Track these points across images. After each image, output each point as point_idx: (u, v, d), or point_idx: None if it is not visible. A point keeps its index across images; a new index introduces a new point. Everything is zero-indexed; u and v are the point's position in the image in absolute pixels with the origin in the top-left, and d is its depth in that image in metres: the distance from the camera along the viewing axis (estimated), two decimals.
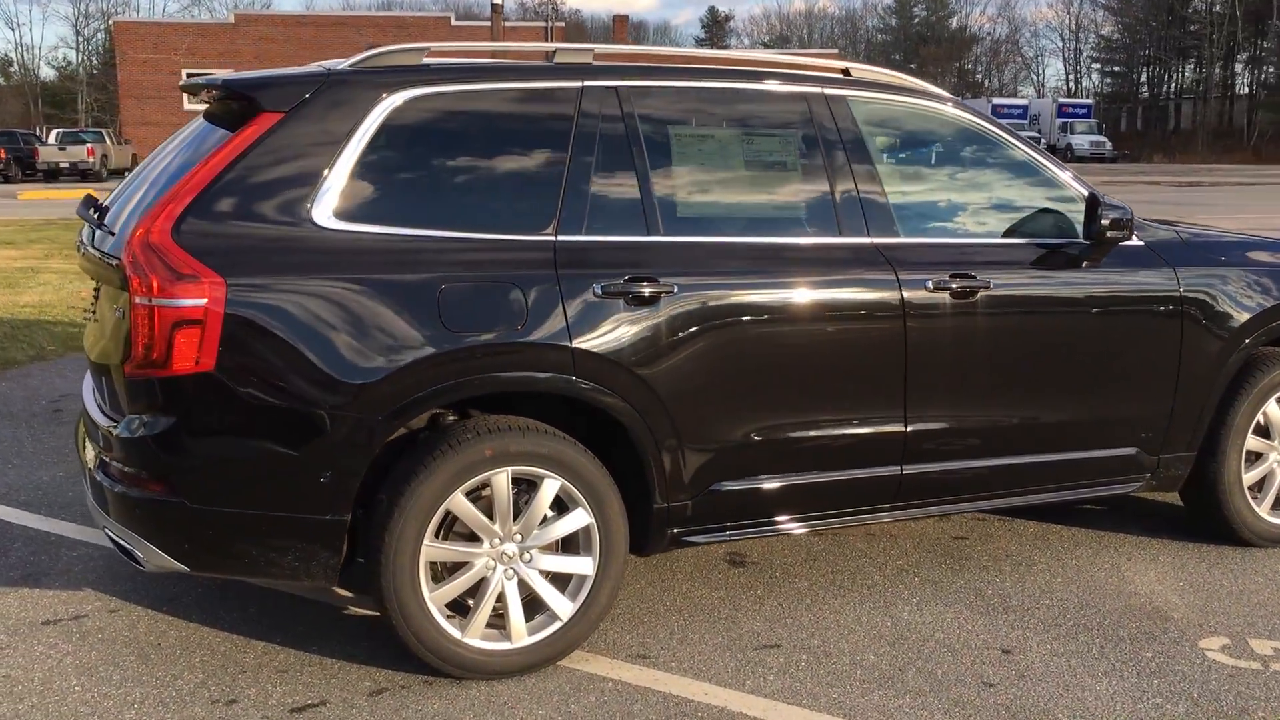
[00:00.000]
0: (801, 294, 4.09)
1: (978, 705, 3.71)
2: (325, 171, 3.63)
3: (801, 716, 3.63)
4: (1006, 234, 4.57)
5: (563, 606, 3.87)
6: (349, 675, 3.87)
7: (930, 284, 4.24)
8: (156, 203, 3.54)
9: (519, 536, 3.82)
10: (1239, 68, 72.04)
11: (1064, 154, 56.68)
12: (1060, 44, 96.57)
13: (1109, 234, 4.48)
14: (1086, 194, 4.60)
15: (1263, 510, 5.01)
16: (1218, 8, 68.43)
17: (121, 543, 3.67)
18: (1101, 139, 59.52)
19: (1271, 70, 68.91)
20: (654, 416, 3.88)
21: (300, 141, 3.64)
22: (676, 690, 3.78)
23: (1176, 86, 73.36)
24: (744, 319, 4.01)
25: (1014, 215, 4.63)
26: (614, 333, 3.82)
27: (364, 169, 3.68)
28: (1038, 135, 57.77)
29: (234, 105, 3.80)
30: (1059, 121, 61.22)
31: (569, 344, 3.76)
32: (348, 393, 3.54)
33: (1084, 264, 4.55)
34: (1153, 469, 4.78)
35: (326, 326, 3.53)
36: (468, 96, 3.86)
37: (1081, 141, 58.23)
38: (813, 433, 4.16)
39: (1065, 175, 4.71)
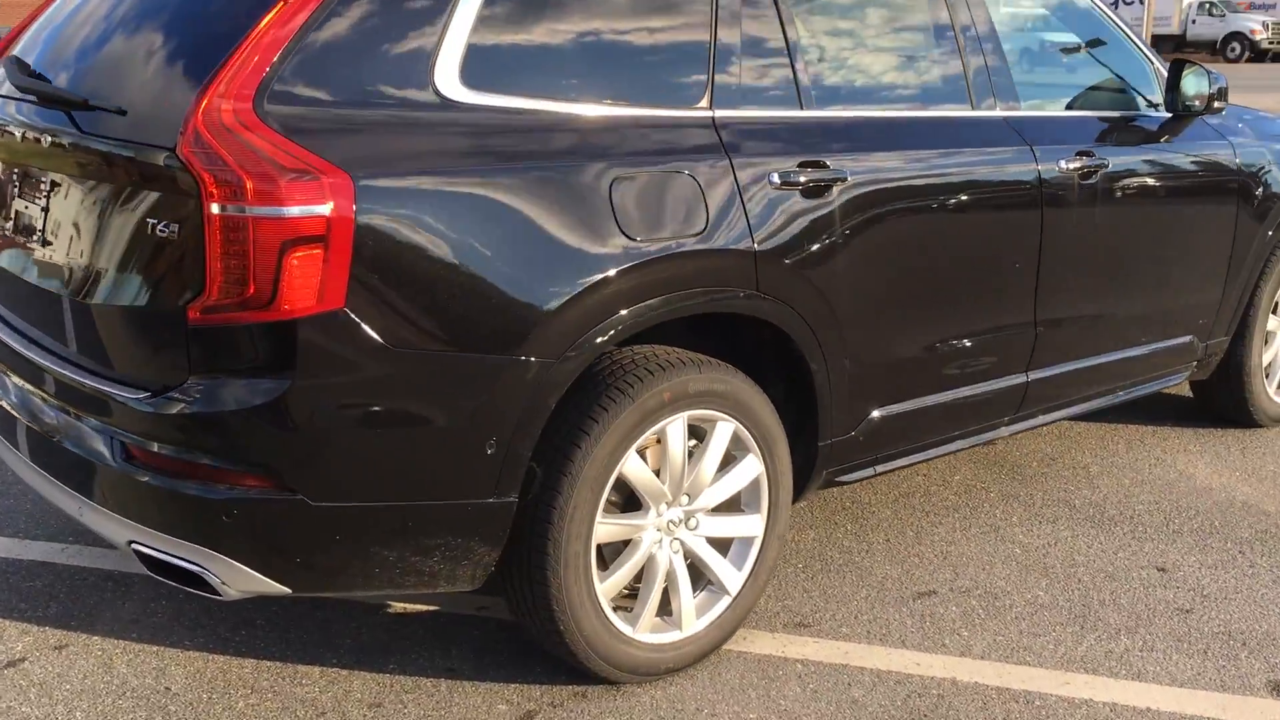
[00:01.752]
0: (961, 176, 3.45)
1: (1200, 637, 3.29)
2: (445, 17, 2.59)
3: (1053, 679, 3.07)
4: (1096, 107, 4.09)
5: (731, 578, 3.09)
6: (474, 699, 2.93)
7: (1063, 163, 3.69)
8: (223, 65, 2.39)
9: (685, 498, 2.99)
10: None
11: None
12: None
13: (1197, 105, 4.10)
14: (1168, 63, 4.20)
15: (1273, 391, 4.90)
16: None
17: (178, 562, 2.54)
18: None
19: None
20: (826, 333, 3.14)
21: None
22: (880, 664, 3.12)
23: None
24: (913, 208, 3.33)
25: (1099, 87, 4.16)
26: (793, 232, 3.03)
27: (492, 15, 2.66)
28: None
29: None
30: None
31: (753, 248, 2.94)
32: (517, 329, 2.58)
33: (1164, 138, 4.15)
34: (1201, 357, 4.53)
35: (482, 239, 2.54)
36: None
37: None
38: (966, 340, 3.55)
39: (1141, 44, 4.28)
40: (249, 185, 2.31)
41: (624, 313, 2.72)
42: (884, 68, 3.47)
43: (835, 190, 3.10)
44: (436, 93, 2.56)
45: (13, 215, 2.92)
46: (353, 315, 2.40)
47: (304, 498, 2.45)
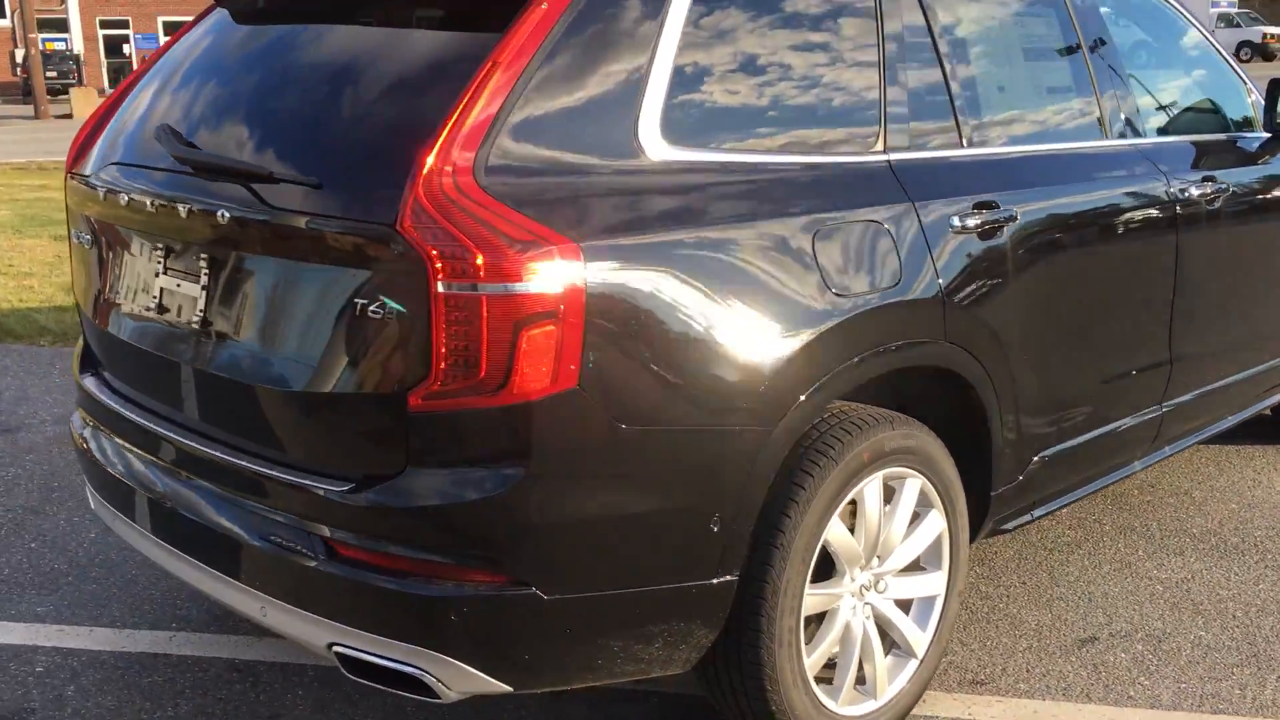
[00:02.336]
0: (1110, 209, 3.36)
1: None
2: (644, 73, 2.43)
3: None
4: (1203, 129, 4.02)
5: (917, 639, 2.95)
6: None
7: (1194, 190, 3.62)
8: (438, 131, 2.21)
9: (876, 560, 2.85)
10: None
11: None
12: None
13: None
14: (1266, 83, 4.15)
15: None
16: None
17: (393, 665, 2.34)
18: None
19: None
20: (1001, 379, 3.02)
21: (608, 27, 2.42)
22: (1047, 716, 3.00)
23: None
24: (1071, 245, 3.23)
25: (1199, 108, 4.10)
26: (974, 276, 2.91)
27: (686, 68, 2.51)
28: None
29: None
30: None
31: (941, 296, 2.82)
32: (738, 396, 2.42)
33: (1267, 158, 4.10)
34: None
35: (701, 302, 2.38)
36: None
37: None
38: (1115, 375, 3.47)
39: (1231, 61, 4.23)
40: (480, 260, 2.13)
41: (834, 372, 2.58)
42: (1029, 102, 3.37)
43: (1006, 231, 2.99)
44: (641, 151, 2.40)
45: (157, 294, 2.69)
46: (585, 395, 2.22)
47: (537, 591, 2.26)
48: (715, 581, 2.46)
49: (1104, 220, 3.32)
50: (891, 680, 2.90)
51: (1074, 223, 3.22)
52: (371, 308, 2.24)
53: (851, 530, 2.76)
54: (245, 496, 2.51)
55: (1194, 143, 3.86)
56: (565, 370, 2.19)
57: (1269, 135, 4.13)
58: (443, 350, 2.16)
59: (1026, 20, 3.43)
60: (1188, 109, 4.04)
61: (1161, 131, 3.75)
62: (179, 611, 3.57)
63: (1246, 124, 4.15)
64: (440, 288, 2.14)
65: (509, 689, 2.37)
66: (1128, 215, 3.40)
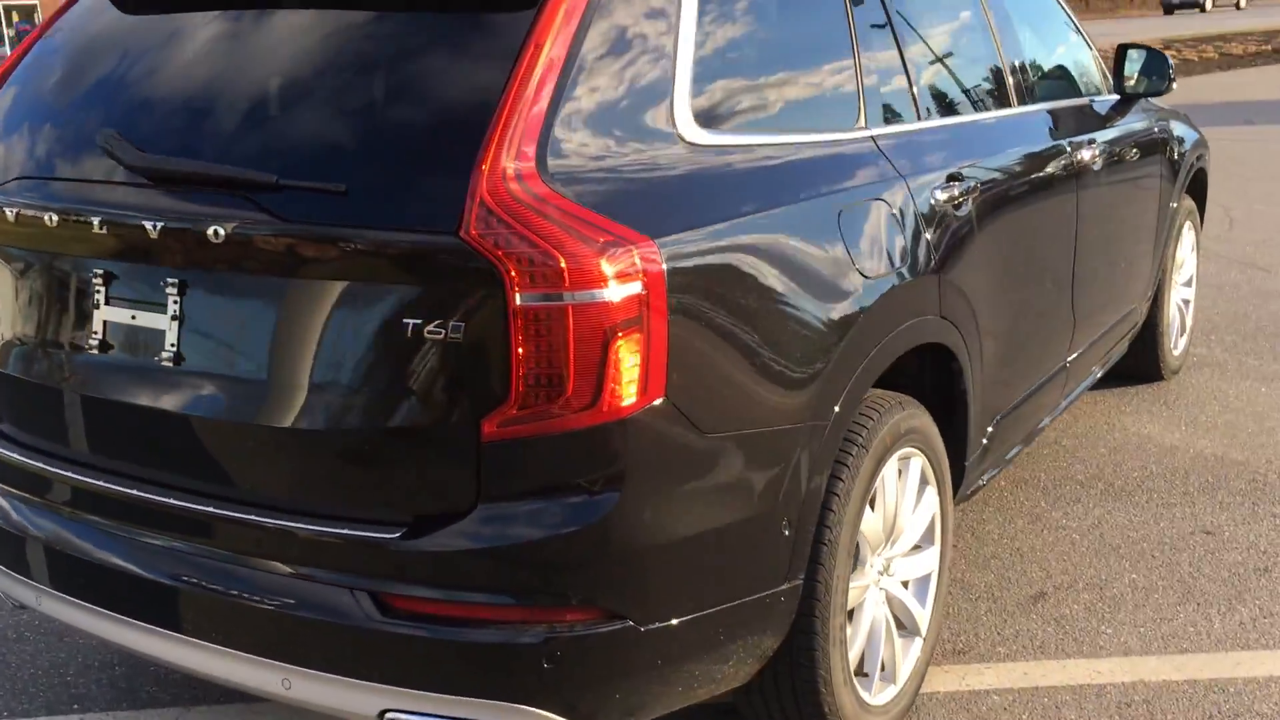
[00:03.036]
0: (1039, 175, 3.44)
1: None
2: (671, 49, 2.26)
3: (1225, 663, 3.11)
4: (1072, 94, 4.17)
5: (921, 617, 2.92)
6: None
7: (1083, 153, 3.75)
8: (494, 126, 1.96)
9: (889, 544, 2.80)
10: None
11: None
12: None
13: (1144, 86, 4.29)
14: (1115, 46, 4.35)
15: (1172, 346, 5.24)
16: None
17: None
18: None
19: None
20: (973, 349, 3.02)
21: (634, 9, 2.22)
22: (1063, 679, 3.06)
23: None
24: (1015, 212, 3.27)
25: (1064, 74, 4.25)
26: (954, 248, 2.90)
27: (706, 48, 2.34)
28: None
29: None
30: None
31: (936, 271, 2.79)
32: (803, 391, 2.31)
33: (1121, 119, 4.31)
34: (1136, 321, 4.76)
35: (758, 295, 2.24)
36: None
37: None
38: (1043, 332, 3.57)
39: (1081, 28, 4.41)
40: (564, 266, 1.91)
41: (870, 356, 2.49)
42: (955, 76, 3.38)
43: (970, 200, 2.99)
44: (679, 137, 2.22)
45: (99, 329, 2.29)
46: (673, 404, 2.04)
47: (633, 624, 2.06)
48: (785, 588, 2.33)
49: (1035, 185, 3.39)
50: (904, 661, 2.86)
51: (1014, 189, 3.27)
52: (428, 328, 1.97)
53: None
54: (258, 556, 2.18)
55: (1074, 107, 4.00)
56: (654, 380, 2.00)
57: (1118, 97, 4.33)
58: (522, 369, 1.93)
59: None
60: (1060, 75, 4.19)
61: (1047, 98, 3.86)
62: (74, 689, 3.12)
63: (1096, 90, 4.34)
64: (519, 300, 1.91)
65: None
66: (1048, 178, 3.49)
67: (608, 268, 1.94)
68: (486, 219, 1.91)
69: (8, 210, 2.35)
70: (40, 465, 2.43)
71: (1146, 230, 4.50)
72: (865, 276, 2.48)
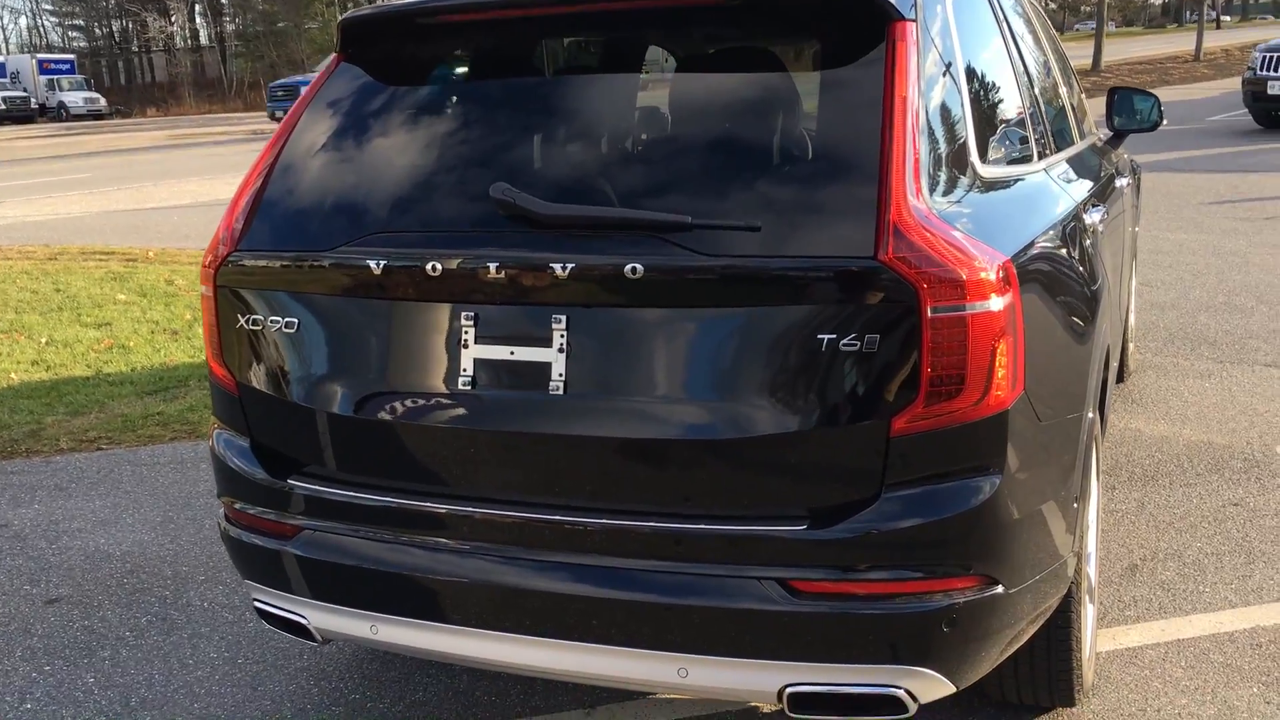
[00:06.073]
0: (1110, 198, 3.97)
1: None
2: (960, 97, 2.65)
3: None
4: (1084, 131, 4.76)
5: (1093, 581, 3.37)
6: None
7: (1119, 180, 4.33)
8: (888, 160, 2.30)
9: None
10: (200, 20, 73.52)
11: (59, 113, 53.74)
12: None
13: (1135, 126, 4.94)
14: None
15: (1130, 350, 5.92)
16: None
17: (867, 690, 2.37)
18: (95, 96, 57.13)
19: (232, 22, 71.42)
20: None
21: (928, 54, 2.60)
22: (1198, 631, 3.54)
23: (148, 39, 72.26)
24: (1109, 228, 3.80)
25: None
26: (1104, 258, 3.42)
27: (973, 92, 2.76)
28: (26, 93, 54.12)
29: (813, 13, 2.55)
30: (43, 79, 57.28)
31: (1105, 279, 3.28)
32: (1087, 381, 2.78)
33: (1113, 154, 4.93)
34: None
35: (1058, 299, 2.70)
36: None
37: (75, 99, 55.31)
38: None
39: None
40: (965, 280, 2.26)
41: (1107, 351, 2.96)
42: (1052, 118, 3.88)
43: (1101, 220, 3.49)
44: (975, 170, 2.60)
45: (469, 368, 2.48)
46: (1028, 395, 2.41)
47: (1003, 588, 2.41)
48: (1070, 557, 2.71)
49: (1110, 207, 3.92)
50: (1090, 622, 3.28)
51: (1108, 212, 3.79)
52: (842, 341, 2.27)
53: None
54: (659, 558, 2.41)
55: (1098, 141, 4.58)
56: (1020, 375, 2.36)
57: (1111, 134, 4.96)
58: (929, 372, 2.26)
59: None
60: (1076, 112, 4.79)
61: (1084, 134, 4.42)
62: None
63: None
64: (930, 312, 2.24)
65: (955, 689, 2.48)
66: (1111, 200, 4.04)
67: (994, 282, 2.29)
68: (899, 244, 2.23)
69: (371, 263, 2.52)
70: (399, 501, 2.58)
71: (1130, 246, 5.14)
72: (1094, 284, 2.93)
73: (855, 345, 2.28)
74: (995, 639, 2.47)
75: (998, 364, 2.30)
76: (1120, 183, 4.34)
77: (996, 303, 2.30)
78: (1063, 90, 4.06)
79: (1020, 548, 2.45)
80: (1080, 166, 3.80)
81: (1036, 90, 3.50)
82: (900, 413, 2.28)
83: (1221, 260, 8.74)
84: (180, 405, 6.21)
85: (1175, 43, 46.64)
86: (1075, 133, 4.08)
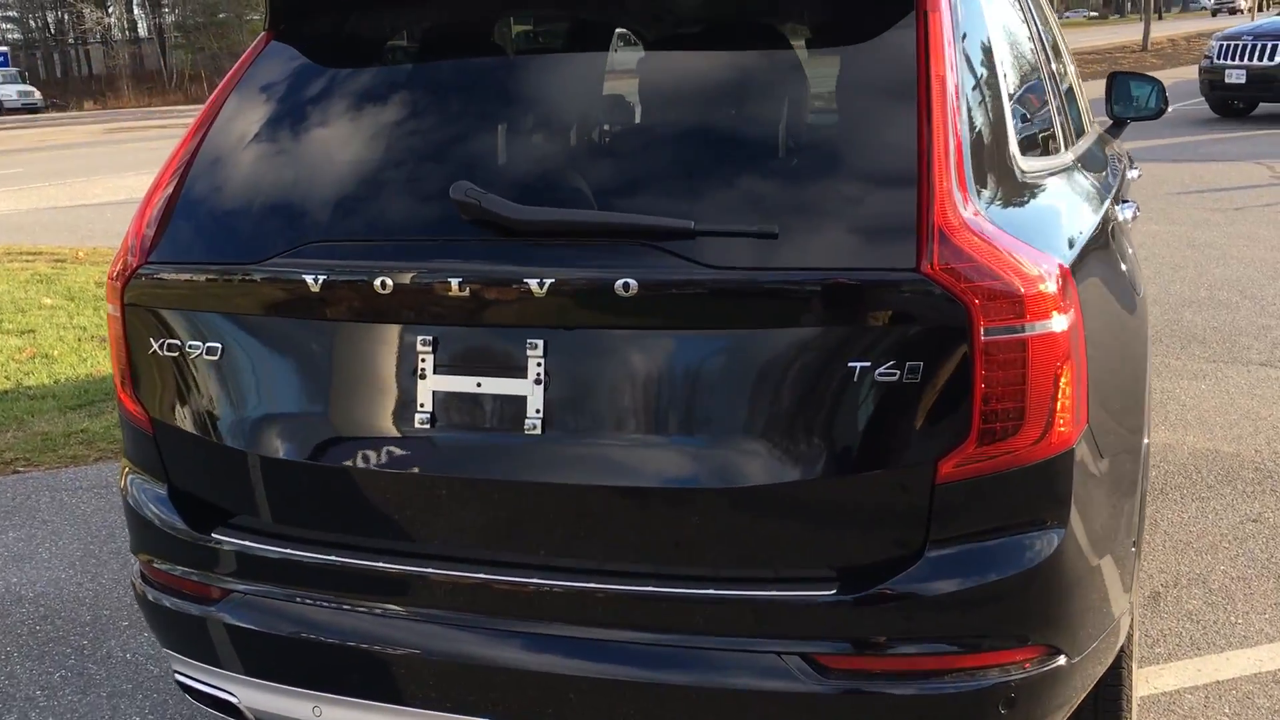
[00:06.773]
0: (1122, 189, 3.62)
1: None
2: (998, 92, 2.27)
3: None
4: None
5: None
6: None
7: (1132, 171, 3.99)
8: (928, 159, 1.91)
9: None
10: (138, 11, 71.98)
11: None
12: None
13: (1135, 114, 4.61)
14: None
15: None
16: None
17: None
18: (30, 89, 55.68)
19: (171, 13, 69.97)
20: None
21: (960, 27, 2.21)
22: (1234, 672, 3.21)
23: (84, 31, 70.59)
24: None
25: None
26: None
27: (1011, 86, 2.38)
28: None
29: None
30: None
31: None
32: (1140, 406, 2.38)
33: (1113, 143, 4.60)
34: None
35: (1115, 307, 2.32)
36: None
37: (9, 92, 53.87)
38: None
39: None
40: (1023, 295, 1.88)
41: (1147, 368, 2.58)
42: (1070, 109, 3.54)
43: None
44: (1018, 167, 2.23)
45: (425, 401, 2.07)
46: (1091, 429, 2.04)
47: (1065, 658, 2.03)
48: (1127, 612, 2.35)
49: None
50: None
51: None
52: (879, 370, 1.89)
53: None
54: (657, 632, 2.02)
55: (1103, 129, 4.24)
56: (1084, 407, 1.99)
57: (1112, 122, 4.62)
58: (983, 406, 1.88)
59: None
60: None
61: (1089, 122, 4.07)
62: None
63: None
64: (984, 334, 1.86)
65: None
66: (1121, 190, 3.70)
67: (1055, 295, 1.92)
68: (946, 252, 1.85)
69: (309, 278, 2.10)
70: (345, 559, 2.17)
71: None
72: (1138, 289, 2.57)
73: (893, 375, 1.89)
74: (1054, 714, 2.10)
75: (1061, 394, 1.93)
76: (1132, 175, 4.00)
77: (1059, 321, 1.92)
78: (1072, 71, 3.71)
79: (1084, 608, 2.08)
80: (1097, 158, 3.45)
81: (1056, 72, 3.14)
82: (948, 455, 1.89)
83: (1198, 253, 8.48)
84: (107, 421, 5.72)
85: (1121, 33, 46.97)
86: (1086, 120, 3.73)
